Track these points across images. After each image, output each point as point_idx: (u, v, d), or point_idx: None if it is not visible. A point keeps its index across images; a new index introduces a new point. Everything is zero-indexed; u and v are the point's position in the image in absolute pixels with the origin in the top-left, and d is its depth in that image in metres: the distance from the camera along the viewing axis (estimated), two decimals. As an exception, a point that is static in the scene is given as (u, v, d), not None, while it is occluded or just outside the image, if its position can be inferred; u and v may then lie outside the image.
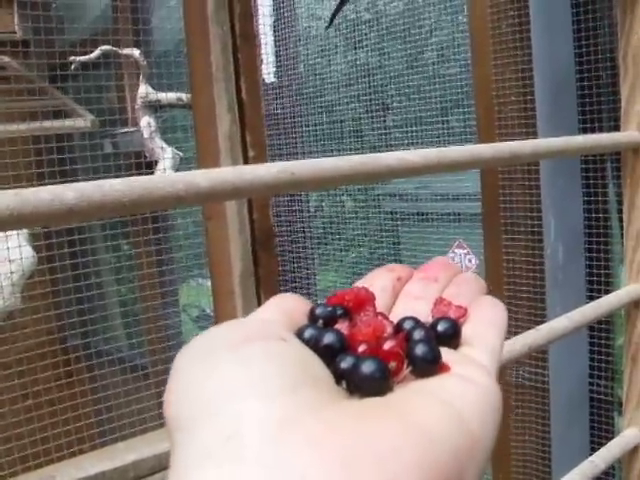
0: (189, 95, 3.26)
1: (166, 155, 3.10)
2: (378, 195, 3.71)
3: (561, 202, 2.22)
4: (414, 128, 3.30)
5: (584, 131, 2.14)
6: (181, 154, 3.20)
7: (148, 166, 3.31)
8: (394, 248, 3.86)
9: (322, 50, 3.75)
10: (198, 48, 1.50)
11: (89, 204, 0.73)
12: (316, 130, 3.74)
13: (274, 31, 3.53)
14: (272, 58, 3.53)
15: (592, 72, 2.19)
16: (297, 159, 3.58)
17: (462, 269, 0.51)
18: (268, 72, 3.53)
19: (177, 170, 3.16)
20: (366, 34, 3.45)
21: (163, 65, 3.47)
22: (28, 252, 3.01)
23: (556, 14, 2.18)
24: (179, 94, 3.30)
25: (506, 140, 2.31)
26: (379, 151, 3.46)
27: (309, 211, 3.90)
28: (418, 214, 3.42)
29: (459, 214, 3.14)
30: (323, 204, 4.09)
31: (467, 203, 3.05)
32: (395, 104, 3.48)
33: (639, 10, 1.83)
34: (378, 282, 0.45)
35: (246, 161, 1.48)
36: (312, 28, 3.81)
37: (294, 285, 3.77)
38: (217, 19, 1.49)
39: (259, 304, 1.61)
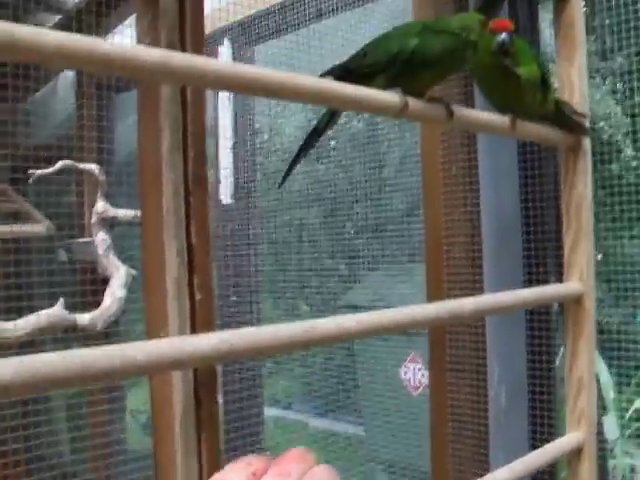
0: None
1: (119, 274, 3.09)
2: (336, 306, 3.72)
3: (505, 346, 2.26)
4: (372, 234, 3.35)
5: (529, 274, 2.20)
6: (135, 272, 3.20)
7: (103, 281, 3.30)
8: (349, 359, 3.84)
9: (283, 161, 3.82)
10: (151, 192, 1.53)
11: (24, 381, 0.74)
12: (276, 246, 3.78)
13: (233, 151, 3.59)
14: (230, 179, 3.58)
15: (538, 218, 2.27)
16: (253, 278, 3.62)
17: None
18: (225, 193, 3.58)
19: (129, 289, 3.15)
20: (328, 148, 3.54)
21: (124, 182, 3.50)
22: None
23: (502, 160, 2.27)
24: (136, 211, 3.32)
25: (453, 280, 2.36)
26: (338, 259, 3.51)
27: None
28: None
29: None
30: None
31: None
32: (355, 214, 3.54)
33: (580, 166, 1.92)
34: (234, 477, 0.47)
35: (193, 304, 1.49)
36: (273, 144, 3.89)
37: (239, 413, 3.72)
38: (171, 162, 1.52)
39: (199, 443, 1.59)
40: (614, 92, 3.91)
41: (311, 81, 1.16)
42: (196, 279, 1.51)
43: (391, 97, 1.33)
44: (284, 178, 1.61)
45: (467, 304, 1.44)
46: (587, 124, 1.85)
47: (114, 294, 3.04)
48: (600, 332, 2.57)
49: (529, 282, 2.28)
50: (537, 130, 1.75)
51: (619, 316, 2.90)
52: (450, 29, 1.51)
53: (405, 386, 3.35)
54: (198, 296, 1.51)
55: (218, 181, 3.58)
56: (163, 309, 1.49)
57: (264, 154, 3.88)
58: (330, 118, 1.58)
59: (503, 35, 1.60)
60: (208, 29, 3.42)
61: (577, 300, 1.85)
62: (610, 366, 2.56)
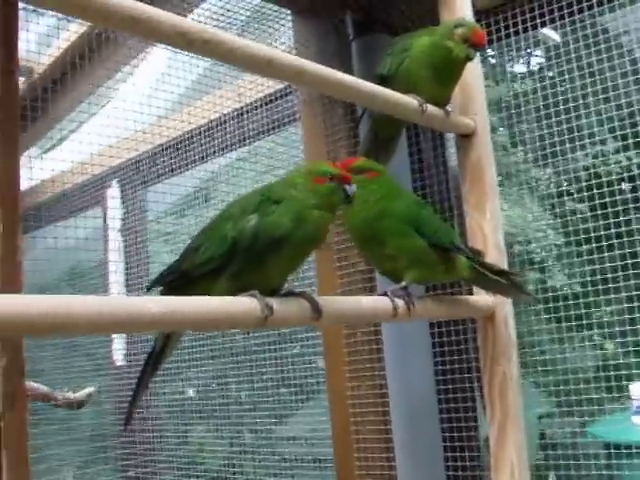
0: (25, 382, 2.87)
1: None
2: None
3: None
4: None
5: (446, 460, 1.85)
6: None
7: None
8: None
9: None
10: None
11: None
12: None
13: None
14: (122, 342, 3.23)
15: (459, 394, 1.92)
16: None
17: None
18: (117, 355, 3.23)
19: None
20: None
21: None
22: None
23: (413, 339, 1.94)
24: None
25: (365, 465, 2.00)
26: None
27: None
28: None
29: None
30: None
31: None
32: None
33: (502, 336, 1.59)
34: None
35: None
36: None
37: None
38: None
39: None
40: (542, 199, 3.73)
41: (127, 306, 0.84)
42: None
43: (250, 305, 1.01)
44: (128, 417, 1.27)
45: None
46: (522, 281, 1.52)
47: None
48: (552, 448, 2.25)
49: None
50: (440, 308, 1.42)
51: (569, 433, 2.67)
52: (288, 194, 1.17)
53: None
54: None
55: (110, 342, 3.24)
56: None
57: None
58: (167, 340, 1.23)
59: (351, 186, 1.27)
60: (95, 170, 3.10)
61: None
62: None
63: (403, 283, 1.32)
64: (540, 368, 2.30)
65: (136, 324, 0.88)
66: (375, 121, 1.62)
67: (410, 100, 1.42)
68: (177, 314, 0.90)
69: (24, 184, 3.23)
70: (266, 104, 2.68)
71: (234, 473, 3.47)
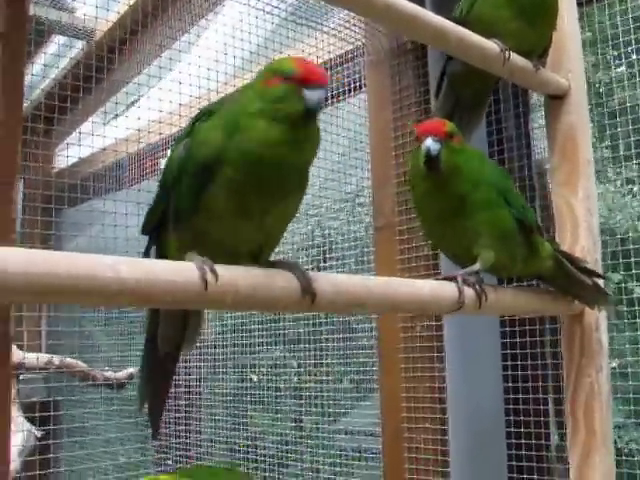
0: (63, 358, 2.71)
1: (16, 438, 2.44)
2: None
3: None
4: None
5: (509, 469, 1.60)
6: (40, 434, 2.56)
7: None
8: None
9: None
10: None
11: None
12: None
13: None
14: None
15: (529, 404, 1.65)
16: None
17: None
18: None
19: (29, 451, 2.52)
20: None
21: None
22: None
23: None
24: (51, 356, 2.72)
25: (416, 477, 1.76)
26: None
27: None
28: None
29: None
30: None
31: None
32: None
33: (590, 342, 1.32)
34: None
35: None
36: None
37: None
38: None
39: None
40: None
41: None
42: None
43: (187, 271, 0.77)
44: (156, 428, 1.07)
45: None
46: (604, 286, 1.25)
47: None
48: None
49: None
50: (517, 301, 1.16)
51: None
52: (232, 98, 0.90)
53: None
54: None
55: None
56: None
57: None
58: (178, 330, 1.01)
59: (428, 142, 1.04)
60: (152, 138, 2.90)
61: None
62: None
63: (477, 266, 1.07)
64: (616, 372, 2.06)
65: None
66: (454, 77, 1.34)
67: (490, 44, 1.16)
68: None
69: (86, 151, 3.11)
70: (330, 68, 2.43)
71: (287, 460, 3.33)
